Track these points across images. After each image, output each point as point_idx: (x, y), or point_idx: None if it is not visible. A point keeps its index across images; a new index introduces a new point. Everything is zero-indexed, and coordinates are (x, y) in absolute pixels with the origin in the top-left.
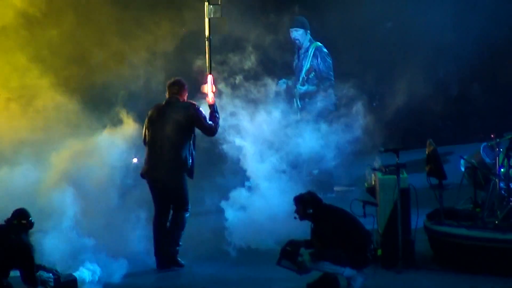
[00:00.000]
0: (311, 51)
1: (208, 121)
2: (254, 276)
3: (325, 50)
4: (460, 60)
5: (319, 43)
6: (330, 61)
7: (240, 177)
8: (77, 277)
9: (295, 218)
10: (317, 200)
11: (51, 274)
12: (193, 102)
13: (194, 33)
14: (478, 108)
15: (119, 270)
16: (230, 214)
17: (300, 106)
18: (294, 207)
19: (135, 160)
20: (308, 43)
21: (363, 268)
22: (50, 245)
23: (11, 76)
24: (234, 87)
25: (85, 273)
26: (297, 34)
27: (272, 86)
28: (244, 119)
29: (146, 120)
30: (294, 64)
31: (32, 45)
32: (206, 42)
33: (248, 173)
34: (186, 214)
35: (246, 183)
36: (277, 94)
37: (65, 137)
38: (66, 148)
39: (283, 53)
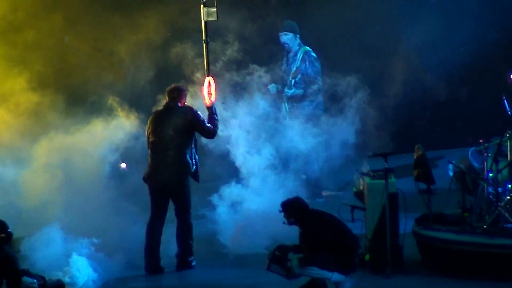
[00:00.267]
0: (300, 55)
1: (207, 123)
2: (243, 281)
3: (314, 54)
4: (448, 65)
5: (308, 48)
6: (319, 66)
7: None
8: (70, 281)
9: (284, 223)
10: (304, 206)
11: (35, 280)
12: (192, 106)
13: (179, 24)
14: (467, 113)
15: (109, 273)
16: (218, 218)
17: (288, 109)
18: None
19: (123, 165)
20: (297, 47)
21: (351, 273)
22: (39, 250)
23: None
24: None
25: (76, 277)
26: (286, 38)
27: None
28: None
29: (147, 127)
30: (283, 68)
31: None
32: (204, 44)
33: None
34: (190, 218)
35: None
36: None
37: (47, 134)
38: (50, 145)
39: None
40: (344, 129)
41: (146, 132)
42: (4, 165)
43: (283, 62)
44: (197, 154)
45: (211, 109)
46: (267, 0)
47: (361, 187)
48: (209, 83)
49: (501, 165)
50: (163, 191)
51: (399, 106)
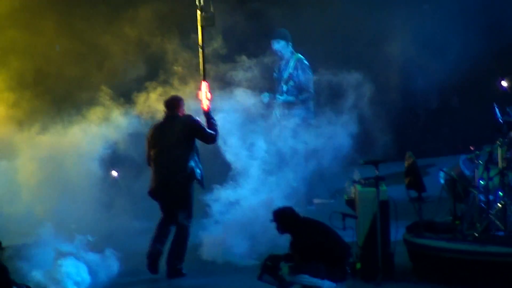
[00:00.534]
0: (292, 63)
1: (207, 130)
2: None
3: (306, 62)
4: (439, 73)
5: (300, 56)
6: (311, 74)
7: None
8: None
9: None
10: (295, 215)
11: None
12: (191, 115)
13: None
14: (458, 121)
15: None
16: (209, 225)
17: (279, 117)
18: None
19: (114, 173)
20: (290, 55)
21: (342, 281)
22: (33, 257)
23: None
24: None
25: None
26: (279, 45)
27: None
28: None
29: (148, 140)
30: (275, 76)
31: None
32: (200, 50)
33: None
34: (189, 226)
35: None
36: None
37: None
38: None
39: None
40: (335, 136)
41: (146, 145)
42: None
43: (275, 69)
44: (200, 162)
45: (208, 114)
46: None
47: (353, 195)
48: (206, 87)
49: (492, 172)
50: (170, 199)
51: (390, 114)
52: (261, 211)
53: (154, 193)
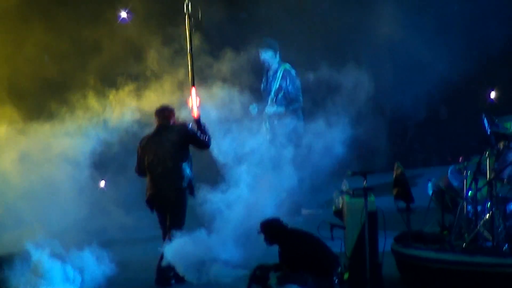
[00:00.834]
0: (280, 73)
1: (200, 136)
2: None
3: (293, 72)
4: (428, 83)
5: (288, 65)
6: (299, 83)
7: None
8: None
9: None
10: (282, 226)
11: None
12: (185, 123)
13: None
14: (446, 132)
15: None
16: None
17: (269, 128)
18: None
19: (102, 183)
20: (277, 65)
21: None
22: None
23: None
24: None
25: None
26: (266, 55)
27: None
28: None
29: (140, 150)
30: (262, 87)
31: None
32: (188, 55)
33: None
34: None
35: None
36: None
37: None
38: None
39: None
40: (324, 147)
41: (137, 156)
42: None
43: (263, 80)
44: (191, 170)
45: (198, 121)
46: None
47: (341, 206)
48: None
49: (480, 183)
50: (166, 207)
51: (378, 124)
52: (250, 220)
53: (151, 202)
